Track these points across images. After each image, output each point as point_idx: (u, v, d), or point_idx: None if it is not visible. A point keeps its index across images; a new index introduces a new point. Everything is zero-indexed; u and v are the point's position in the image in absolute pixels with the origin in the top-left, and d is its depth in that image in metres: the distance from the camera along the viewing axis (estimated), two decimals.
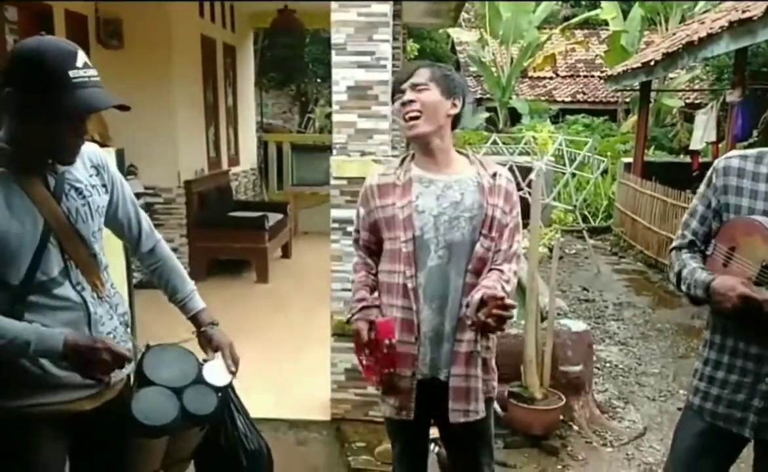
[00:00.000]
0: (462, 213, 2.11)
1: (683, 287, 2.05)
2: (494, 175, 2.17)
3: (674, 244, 2.16)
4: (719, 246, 1.99)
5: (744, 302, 1.84)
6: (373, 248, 2.25)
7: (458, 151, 2.23)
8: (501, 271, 2.11)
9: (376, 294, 2.23)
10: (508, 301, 1.92)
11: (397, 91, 2.14)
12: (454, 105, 2.16)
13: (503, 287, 2.05)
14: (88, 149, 1.92)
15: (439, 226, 2.10)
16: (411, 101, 2.08)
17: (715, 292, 1.91)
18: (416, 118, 2.09)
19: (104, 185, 1.94)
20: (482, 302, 1.94)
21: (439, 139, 2.14)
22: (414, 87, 2.09)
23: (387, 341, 2.03)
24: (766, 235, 1.87)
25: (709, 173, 2.08)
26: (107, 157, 1.99)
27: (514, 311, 1.94)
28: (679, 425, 2.25)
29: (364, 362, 2.15)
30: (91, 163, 1.91)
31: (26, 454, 1.79)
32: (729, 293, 1.86)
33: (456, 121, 2.19)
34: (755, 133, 10.53)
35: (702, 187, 2.09)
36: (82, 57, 1.73)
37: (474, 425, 2.18)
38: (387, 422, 2.34)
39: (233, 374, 2.10)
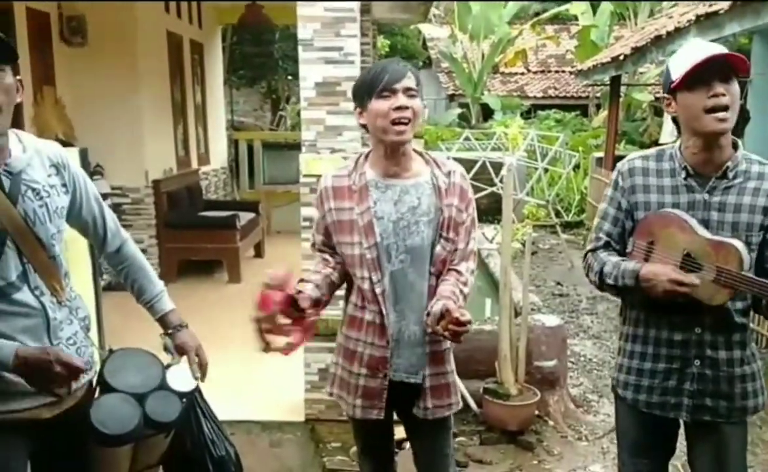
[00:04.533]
0: (420, 217, 2.10)
1: (609, 281, 2.10)
2: (449, 173, 2.16)
3: (589, 247, 2.23)
4: (638, 242, 2.07)
5: (674, 286, 1.91)
6: (329, 250, 2.21)
7: (413, 150, 2.19)
8: (459, 272, 2.12)
9: (316, 284, 2.11)
10: (464, 317, 1.92)
11: (385, 89, 2.03)
12: (423, 111, 2.14)
13: (461, 290, 2.08)
14: (48, 148, 1.87)
15: (398, 232, 2.09)
16: (405, 107, 2.02)
17: (645, 278, 1.98)
18: (407, 123, 2.04)
19: (64, 185, 1.87)
20: (441, 315, 1.97)
21: (409, 144, 2.12)
22: (406, 91, 2.04)
23: (259, 315, 1.98)
24: (682, 224, 1.98)
25: (614, 177, 2.19)
26: (68, 155, 1.92)
27: (470, 326, 1.95)
28: (618, 422, 2.32)
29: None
30: (50, 162, 1.84)
31: None
32: (660, 278, 1.94)
33: None
34: None
35: (609, 191, 2.20)
36: None
37: (448, 416, 2.26)
38: (352, 420, 2.33)
39: (199, 378, 2.05)
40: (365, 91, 2.08)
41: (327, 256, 2.20)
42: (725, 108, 1.90)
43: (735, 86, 1.93)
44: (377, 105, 2.04)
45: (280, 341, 2.01)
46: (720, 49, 1.93)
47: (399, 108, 2.02)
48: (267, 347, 2.00)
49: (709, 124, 1.91)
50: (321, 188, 2.19)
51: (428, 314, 2.03)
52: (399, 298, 2.11)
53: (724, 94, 1.89)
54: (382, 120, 2.03)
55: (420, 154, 2.21)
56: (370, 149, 2.20)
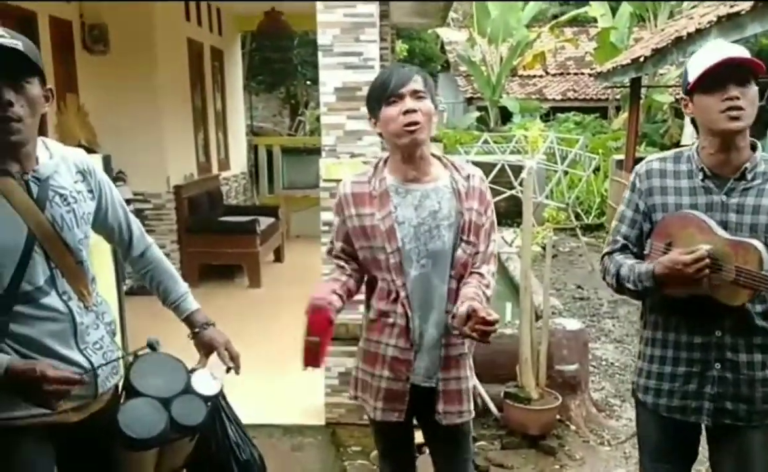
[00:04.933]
0: (441, 222, 2.10)
1: (628, 285, 2.09)
2: (468, 177, 2.16)
3: (606, 249, 2.23)
4: (656, 244, 2.06)
5: (693, 267, 1.88)
6: (346, 257, 2.22)
7: (432, 155, 2.20)
8: (481, 275, 2.13)
9: (338, 294, 2.12)
10: (491, 317, 1.92)
11: (392, 95, 2.05)
12: (436, 114, 2.15)
13: (484, 293, 2.08)
14: (74, 155, 1.90)
15: (419, 237, 2.10)
16: (413, 110, 2.03)
17: (662, 274, 1.96)
18: (417, 125, 2.04)
19: (90, 191, 1.91)
20: (468, 316, 1.95)
21: (426, 147, 2.13)
22: (414, 94, 2.05)
23: (311, 338, 1.98)
24: (700, 225, 1.97)
25: (632, 179, 2.20)
26: (94, 162, 1.96)
27: (497, 325, 1.94)
28: (639, 427, 2.31)
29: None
30: (76, 168, 1.88)
31: (12, 466, 1.76)
32: (676, 267, 1.91)
33: None
34: None
35: (627, 193, 2.20)
36: None
37: (462, 423, 2.24)
38: (373, 422, 2.34)
39: (236, 370, 2.09)
40: (375, 100, 2.11)
41: (343, 263, 2.21)
42: (739, 109, 1.89)
43: (752, 89, 1.91)
44: (387, 112, 2.06)
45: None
46: (738, 51, 1.92)
47: (408, 112, 2.03)
48: (317, 365, 2.06)
49: (723, 122, 1.91)
50: (340, 195, 2.20)
51: (453, 317, 2.02)
52: (421, 302, 2.12)
53: (738, 98, 1.88)
54: (393, 125, 2.05)
55: (438, 158, 2.22)
56: (389, 154, 2.21)
